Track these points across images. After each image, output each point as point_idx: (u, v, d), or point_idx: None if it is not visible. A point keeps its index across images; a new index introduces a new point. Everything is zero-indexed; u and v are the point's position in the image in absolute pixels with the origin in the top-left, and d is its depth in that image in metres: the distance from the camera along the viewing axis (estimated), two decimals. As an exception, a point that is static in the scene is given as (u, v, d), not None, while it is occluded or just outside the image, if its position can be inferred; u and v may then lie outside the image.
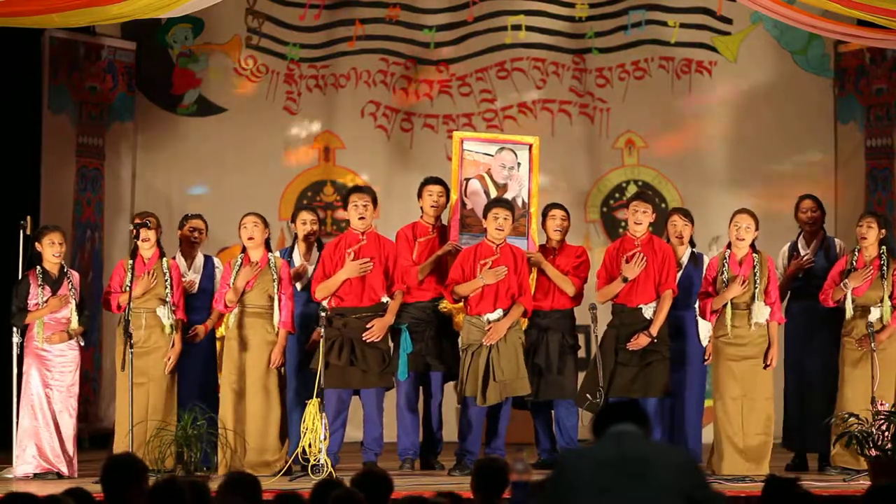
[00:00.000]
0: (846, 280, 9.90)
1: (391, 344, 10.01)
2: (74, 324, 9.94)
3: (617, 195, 13.58)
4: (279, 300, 9.86)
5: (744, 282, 9.67)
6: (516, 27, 13.73)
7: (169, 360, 9.86)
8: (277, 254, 10.22)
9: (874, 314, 9.81)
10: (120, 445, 9.60)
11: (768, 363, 9.67)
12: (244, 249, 10.02)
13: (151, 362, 9.85)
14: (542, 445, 10.55)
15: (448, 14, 13.70)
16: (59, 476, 9.74)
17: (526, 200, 10.48)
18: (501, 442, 10.04)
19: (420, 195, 10.50)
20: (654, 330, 9.84)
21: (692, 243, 10.37)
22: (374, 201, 10.11)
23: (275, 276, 9.89)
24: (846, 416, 9.43)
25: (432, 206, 10.41)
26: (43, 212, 12.09)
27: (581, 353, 10.71)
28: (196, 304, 10.25)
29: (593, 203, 13.59)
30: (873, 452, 9.06)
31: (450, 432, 10.49)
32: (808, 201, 10.61)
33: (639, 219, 10.03)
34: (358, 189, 10.49)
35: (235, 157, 13.45)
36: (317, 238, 10.53)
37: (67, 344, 9.94)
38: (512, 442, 10.28)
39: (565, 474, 4.86)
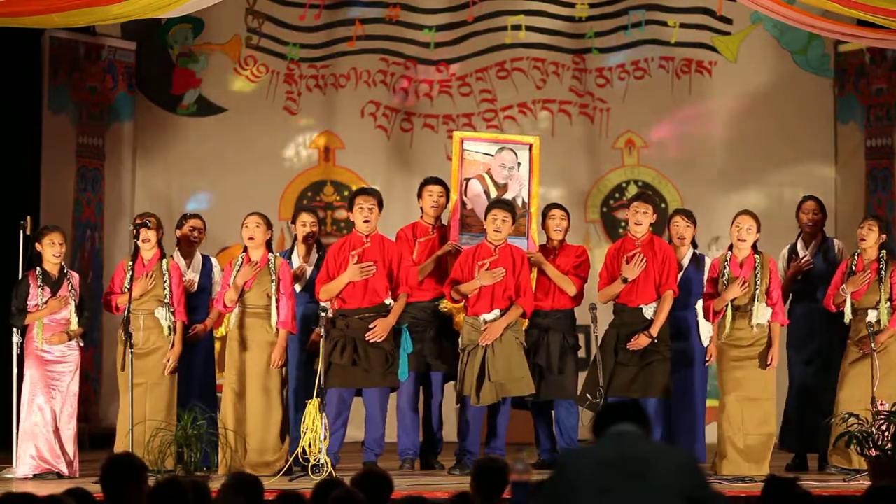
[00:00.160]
0: (844, 285, 9.91)
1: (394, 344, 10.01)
2: (74, 325, 9.93)
3: (617, 195, 13.58)
4: (278, 300, 9.87)
5: (744, 283, 9.66)
6: (516, 27, 13.73)
7: (168, 361, 9.87)
8: (278, 254, 10.22)
9: (871, 316, 9.82)
10: (121, 446, 9.59)
11: (769, 363, 9.67)
12: (245, 249, 10.02)
13: (151, 363, 9.84)
14: (542, 445, 10.55)
15: (448, 14, 13.69)
16: (59, 476, 9.73)
17: (526, 200, 10.47)
18: (501, 442, 10.03)
19: (420, 195, 10.49)
20: (655, 330, 9.83)
21: (694, 244, 10.37)
22: (380, 204, 10.06)
23: (273, 277, 9.89)
24: (846, 416, 9.43)
25: (432, 207, 10.40)
26: (43, 212, 12.08)
27: (581, 353, 10.72)
28: (195, 304, 10.26)
29: (593, 203, 13.59)
30: (873, 452, 9.06)
31: (450, 432, 10.48)
32: (810, 202, 10.60)
33: (639, 219, 10.02)
34: (364, 191, 10.41)
35: (235, 157, 13.44)
36: (316, 239, 10.53)
37: (67, 345, 9.93)
38: (512, 442, 10.29)
39: (565, 474, 4.86)
